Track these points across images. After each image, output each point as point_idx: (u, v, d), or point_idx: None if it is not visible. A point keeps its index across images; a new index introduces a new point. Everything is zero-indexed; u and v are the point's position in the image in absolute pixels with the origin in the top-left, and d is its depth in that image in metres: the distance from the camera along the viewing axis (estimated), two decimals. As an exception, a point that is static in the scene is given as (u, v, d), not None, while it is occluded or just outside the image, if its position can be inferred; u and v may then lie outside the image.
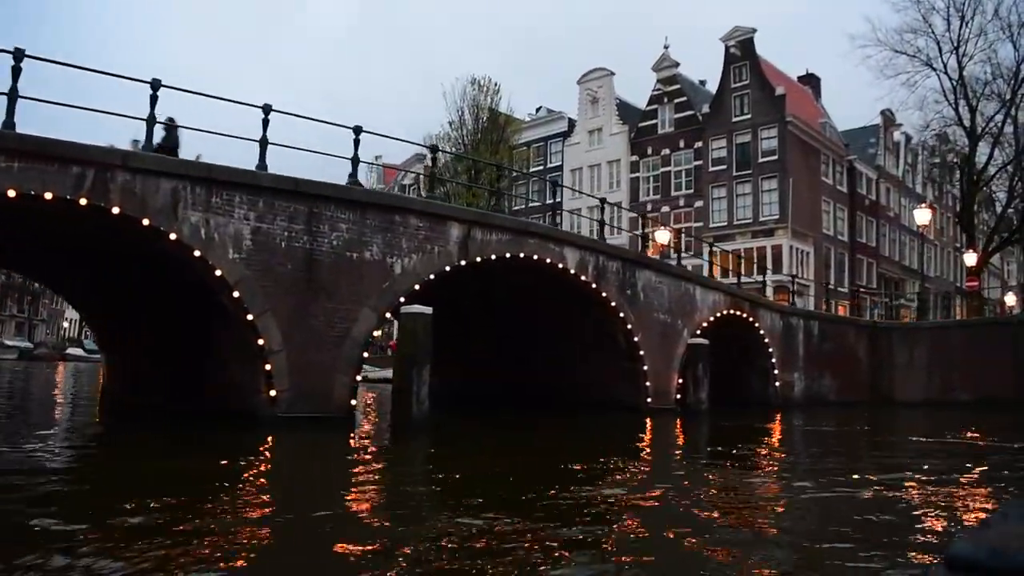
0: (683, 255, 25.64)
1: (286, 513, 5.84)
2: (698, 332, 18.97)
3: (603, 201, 20.03)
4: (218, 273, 11.08)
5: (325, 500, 6.45)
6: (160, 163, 10.76)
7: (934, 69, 32.62)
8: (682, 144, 39.93)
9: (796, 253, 35.96)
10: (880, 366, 25.56)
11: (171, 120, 12.60)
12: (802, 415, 19.98)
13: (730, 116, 38.12)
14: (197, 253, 10.88)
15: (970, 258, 31.94)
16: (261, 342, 11.43)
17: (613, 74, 43.77)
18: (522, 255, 14.92)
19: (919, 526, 5.83)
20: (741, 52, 38.13)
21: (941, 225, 48.28)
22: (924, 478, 8.44)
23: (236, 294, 11.21)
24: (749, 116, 37.42)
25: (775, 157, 36.35)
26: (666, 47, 41.48)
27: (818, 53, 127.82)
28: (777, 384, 21.97)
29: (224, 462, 8.35)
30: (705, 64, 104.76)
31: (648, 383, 17.50)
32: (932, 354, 24.74)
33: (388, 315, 13.95)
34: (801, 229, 36.19)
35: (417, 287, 13.27)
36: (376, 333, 14.25)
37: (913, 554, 4.82)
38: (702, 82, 43.67)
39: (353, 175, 13.34)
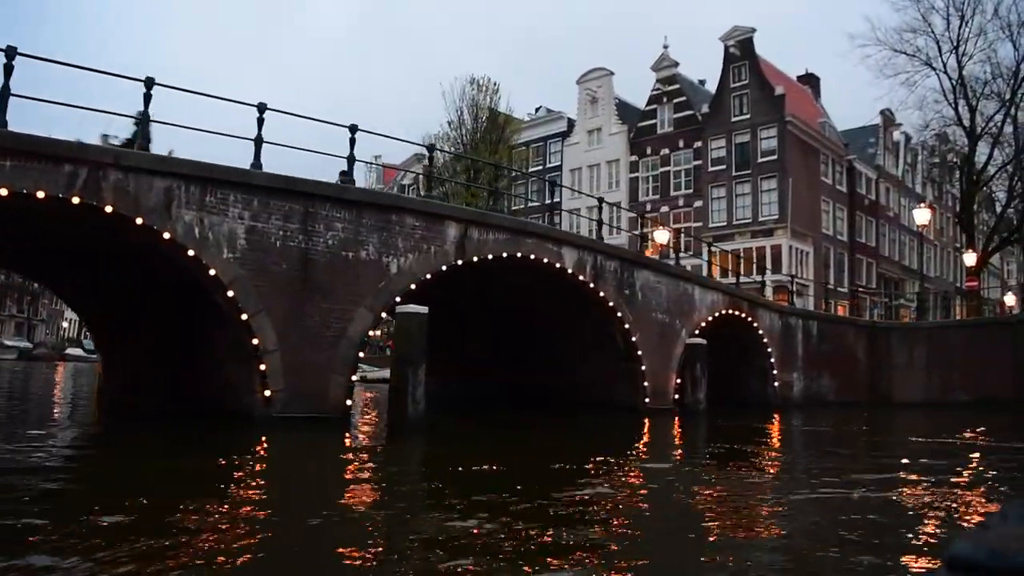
0: (682, 255, 25.60)
1: (281, 513, 5.82)
2: (696, 332, 18.91)
3: (601, 201, 19.98)
4: (212, 272, 11.02)
5: (319, 500, 6.42)
6: (153, 162, 10.71)
7: (934, 69, 32.62)
8: (681, 144, 39.86)
9: (795, 253, 35.89)
10: (879, 366, 25.46)
11: (141, 114, 12.35)
12: (801, 415, 19.92)
13: (729, 116, 38.04)
14: (191, 252, 10.82)
15: (970, 258, 31.89)
16: (256, 342, 11.37)
17: (612, 74, 43.74)
18: (519, 255, 14.87)
19: (917, 527, 5.78)
20: (740, 52, 38.06)
21: (941, 225, 48.25)
22: (923, 478, 8.39)
23: (230, 294, 11.15)
24: (748, 116, 37.34)
25: (774, 157, 36.27)
26: (665, 47, 41.46)
27: (817, 53, 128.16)
28: (776, 384, 21.90)
29: (221, 462, 8.31)
30: (704, 64, 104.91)
31: (646, 383, 17.44)
32: (931, 354, 24.65)
33: (384, 315, 13.90)
34: (800, 229, 36.13)
35: (413, 287, 13.21)
36: (374, 333, 14.19)
37: (911, 556, 4.76)
38: (701, 82, 43.64)
39: (346, 173, 13.26)
